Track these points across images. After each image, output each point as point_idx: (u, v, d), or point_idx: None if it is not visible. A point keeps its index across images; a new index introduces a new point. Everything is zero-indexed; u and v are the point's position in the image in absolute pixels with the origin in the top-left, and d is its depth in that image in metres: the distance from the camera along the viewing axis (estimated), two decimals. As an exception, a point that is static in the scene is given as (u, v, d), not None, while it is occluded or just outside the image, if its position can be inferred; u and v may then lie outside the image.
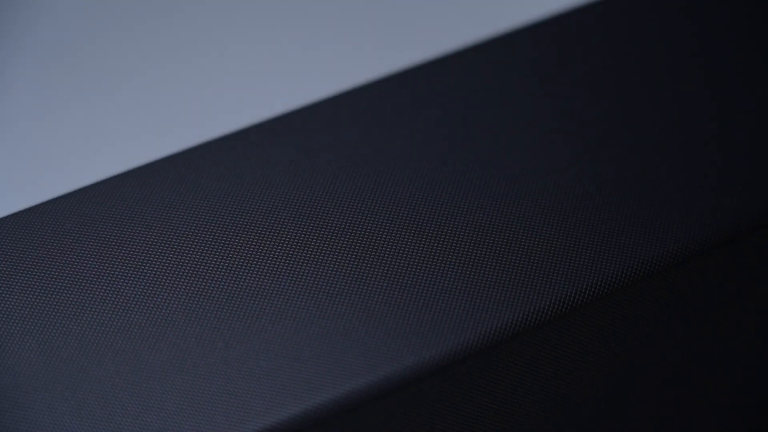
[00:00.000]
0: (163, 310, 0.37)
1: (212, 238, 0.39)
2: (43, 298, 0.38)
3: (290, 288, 0.38)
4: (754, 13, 0.46)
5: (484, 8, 0.65)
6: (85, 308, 0.37)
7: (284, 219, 0.40)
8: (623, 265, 0.38)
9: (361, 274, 0.38)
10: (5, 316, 0.37)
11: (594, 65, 0.44)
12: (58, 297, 0.38)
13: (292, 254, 0.39)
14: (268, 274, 0.38)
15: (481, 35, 0.47)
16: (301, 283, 0.38)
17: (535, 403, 0.40)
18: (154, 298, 0.38)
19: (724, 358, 0.44)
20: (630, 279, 0.38)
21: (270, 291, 0.38)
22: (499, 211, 0.40)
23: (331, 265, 0.38)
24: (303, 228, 0.39)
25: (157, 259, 0.39)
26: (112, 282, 0.38)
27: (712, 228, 0.39)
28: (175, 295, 0.38)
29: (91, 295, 0.38)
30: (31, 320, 0.37)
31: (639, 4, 0.47)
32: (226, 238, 0.39)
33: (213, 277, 0.38)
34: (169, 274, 0.38)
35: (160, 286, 0.38)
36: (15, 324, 0.37)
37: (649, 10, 0.46)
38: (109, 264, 0.39)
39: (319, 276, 0.38)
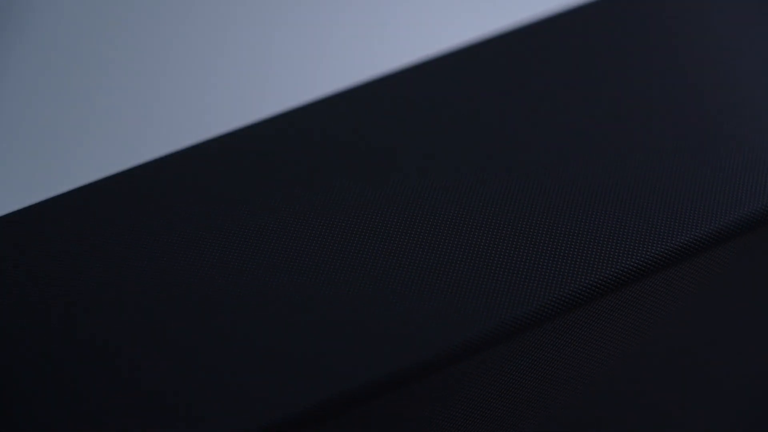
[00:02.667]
0: (170, 309, 0.37)
1: (218, 234, 0.39)
2: (45, 296, 0.38)
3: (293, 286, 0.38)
4: (754, 11, 0.46)
5: (484, 8, 0.65)
6: (87, 307, 0.37)
7: (287, 216, 0.40)
8: (634, 257, 0.39)
9: (375, 268, 0.38)
10: (7, 314, 0.37)
11: (594, 64, 0.44)
12: (60, 295, 0.38)
13: (289, 254, 0.39)
14: (268, 277, 0.38)
15: (480, 35, 0.47)
16: (311, 276, 0.38)
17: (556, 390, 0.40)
18: (159, 297, 0.38)
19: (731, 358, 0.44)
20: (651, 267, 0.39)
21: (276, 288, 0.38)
22: (499, 210, 0.40)
23: (332, 265, 0.38)
24: (304, 225, 0.39)
25: (160, 257, 0.39)
26: (113, 280, 0.38)
27: (713, 225, 0.40)
28: (176, 295, 0.38)
29: (92, 294, 0.38)
30: (32, 318, 0.37)
31: (639, 4, 0.47)
32: (234, 233, 0.39)
33: (214, 276, 0.38)
34: (172, 272, 0.38)
35: (163, 284, 0.38)
36: (16, 322, 0.37)
37: (649, 9, 0.46)
38: (111, 262, 0.39)
39: (328, 276, 0.38)
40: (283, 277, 0.38)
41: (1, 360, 0.36)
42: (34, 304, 0.37)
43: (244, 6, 0.66)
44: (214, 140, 0.42)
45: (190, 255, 0.39)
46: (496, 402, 0.39)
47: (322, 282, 0.38)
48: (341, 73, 0.61)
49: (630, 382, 0.42)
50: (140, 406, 0.35)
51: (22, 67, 0.62)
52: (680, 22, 0.46)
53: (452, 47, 0.46)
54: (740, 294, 0.42)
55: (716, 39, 0.45)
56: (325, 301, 0.37)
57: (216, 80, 0.62)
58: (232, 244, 0.39)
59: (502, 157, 0.41)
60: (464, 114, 0.43)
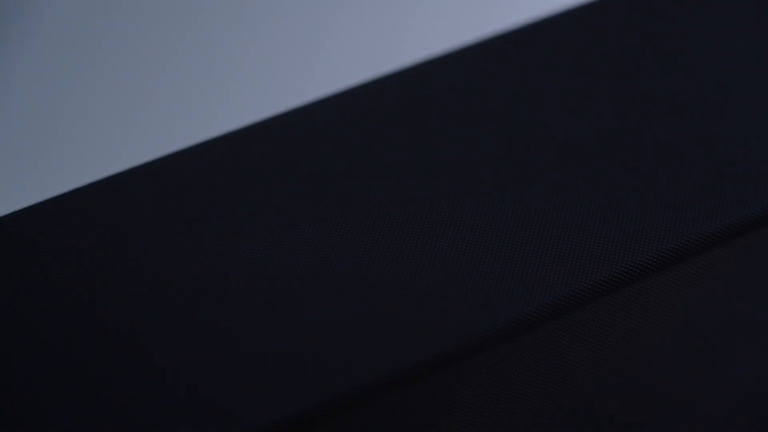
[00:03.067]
0: (170, 309, 0.37)
1: (219, 234, 0.39)
2: (45, 296, 0.38)
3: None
4: (754, 11, 0.46)
5: (484, 8, 0.65)
6: (87, 307, 0.37)
7: (286, 216, 0.40)
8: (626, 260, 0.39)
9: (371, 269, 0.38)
10: (8, 314, 0.37)
11: (594, 65, 0.44)
12: (60, 296, 0.38)
13: (290, 254, 0.39)
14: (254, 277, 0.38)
15: (480, 35, 0.47)
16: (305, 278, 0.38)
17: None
18: (156, 299, 0.38)
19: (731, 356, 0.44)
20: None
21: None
22: (499, 210, 0.40)
23: (340, 258, 0.38)
24: (305, 225, 0.39)
25: (161, 257, 0.39)
26: (113, 281, 0.38)
27: (712, 226, 0.40)
28: (177, 295, 0.38)
29: (92, 294, 0.38)
30: (33, 318, 0.37)
31: (639, 4, 0.47)
32: (235, 232, 0.39)
33: (215, 275, 0.38)
34: (173, 272, 0.38)
35: (164, 285, 0.38)
36: (17, 322, 0.37)
37: (650, 10, 0.46)
38: (111, 263, 0.39)
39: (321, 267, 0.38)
40: (283, 277, 0.38)
41: (1, 360, 0.36)
42: (34, 304, 0.37)
43: (241, 7, 0.66)
44: (215, 140, 0.42)
45: (190, 255, 0.39)
46: (497, 403, 0.39)
47: (322, 282, 0.38)
48: (340, 74, 0.61)
49: (632, 383, 0.42)
50: (141, 406, 0.35)
51: (22, 67, 0.62)
52: (680, 22, 0.46)
53: (452, 48, 0.46)
54: (740, 295, 0.42)
55: (717, 39, 0.45)
56: (325, 301, 0.37)
57: (216, 81, 0.62)
58: (233, 243, 0.39)
59: (502, 158, 0.41)
60: (464, 115, 0.43)
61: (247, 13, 0.65)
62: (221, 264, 0.38)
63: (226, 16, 0.65)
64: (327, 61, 0.63)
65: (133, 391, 0.35)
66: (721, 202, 0.40)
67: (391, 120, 0.42)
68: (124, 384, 0.36)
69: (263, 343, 0.36)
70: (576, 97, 0.43)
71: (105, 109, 0.61)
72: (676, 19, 0.46)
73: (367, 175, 0.41)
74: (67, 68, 0.62)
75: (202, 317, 0.37)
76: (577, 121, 0.42)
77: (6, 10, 0.65)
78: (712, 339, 0.43)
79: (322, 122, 0.42)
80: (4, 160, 0.58)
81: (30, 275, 0.38)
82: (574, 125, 0.42)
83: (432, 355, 0.36)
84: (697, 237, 0.39)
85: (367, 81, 0.44)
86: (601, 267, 0.38)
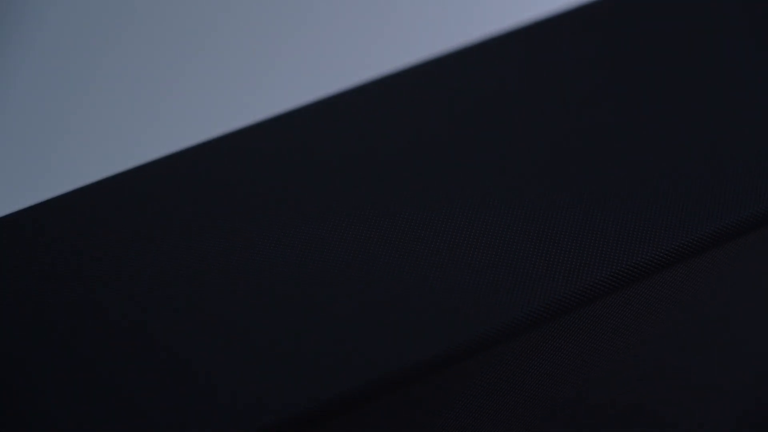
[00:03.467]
0: (170, 310, 0.37)
1: (219, 234, 0.39)
2: (45, 297, 0.38)
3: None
4: (753, 11, 0.46)
5: (484, 8, 0.65)
6: (88, 308, 0.37)
7: (286, 218, 0.40)
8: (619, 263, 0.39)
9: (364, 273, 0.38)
10: (7, 314, 0.37)
11: (595, 65, 0.44)
12: (60, 296, 0.38)
13: (290, 255, 0.39)
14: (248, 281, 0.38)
15: (480, 36, 0.47)
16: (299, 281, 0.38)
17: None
18: (156, 299, 0.38)
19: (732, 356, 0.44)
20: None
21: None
22: (499, 210, 0.40)
23: (337, 260, 0.38)
24: (305, 226, 0.39)
25: (160, 257, 0.39)
26: (113, 281, 0.38)
27: (712, 226, 0.40)
28: (176, 295, 0.38)
29: (92, 295, 0.38)
30: (33, 319, 0.37)
31: (638, 4, 0.47)
32: (236, 232, 0.39)
33: (215, 275, 0.38)
34: (174, 273, 0.38)
35: (164, 285, 0.38)
36: (16, 322, 0.37)
37: (648, 9, 0.46)
38: (111, 263, 0.39)
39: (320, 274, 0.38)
40: (282, 278, 0.38)
41: (1, 360, 0.36)
42: (34, 304, 0.37)
43: (241, 7, 0.66)
44: (215, 140, 0.42)
45: (191, 255, 0.39)
46: (497, 403, 0.39)
47: (321, 283, 0.38)
48: (340, 74, 0.61)
49: (632, 383, 0.42)
50: (141, 407, 0.35)
51: (22, 67, 0.62)
52: (680, 21, 0.46)
53: (452, 48, 0.46)
54: (741, 296, 0.42)
55: (717, 39, 0.45)
56: (325, 302, 0.37)
57: (217, 81, 0.62)
58: (233, 243, 0.39)
59: (502, 157, 0.41)
60: (464, 115, 0.43)
61: (248, 14, 0.65)
62: (221, 264, 0.38)
63: (226, 16, 0.65)
64: (327, 61, 0.63)
65: (133, 392, 0.35)
66: (721, 202, 0.40)
67: (391, 120, 0.42)
68: (124, 384, 0.36)
69: (262, 344, 0.36)
70: (576, 97, 0.43)
71: (105, 110, 0.61)
72: (676, 18, 0.46)
73: (367, 175, 0.41)
74: (67, 68, 0.62)
75: (202, 318, 0.37)
76: (577, 121, 0.42)
77: (6, 10, 0.65)
78: (712, 339, 0.43)
79: (322, 122, 0.42)
80: (4, 160, 0.58)
81: (30, 275, 0.38)
82: (574, 125, 0.42)
83: (432, 355, 0.36)
84: (698, 237, 0.39)
85: (367, 81, 0.44)
86: (601, 267, 0.38)
